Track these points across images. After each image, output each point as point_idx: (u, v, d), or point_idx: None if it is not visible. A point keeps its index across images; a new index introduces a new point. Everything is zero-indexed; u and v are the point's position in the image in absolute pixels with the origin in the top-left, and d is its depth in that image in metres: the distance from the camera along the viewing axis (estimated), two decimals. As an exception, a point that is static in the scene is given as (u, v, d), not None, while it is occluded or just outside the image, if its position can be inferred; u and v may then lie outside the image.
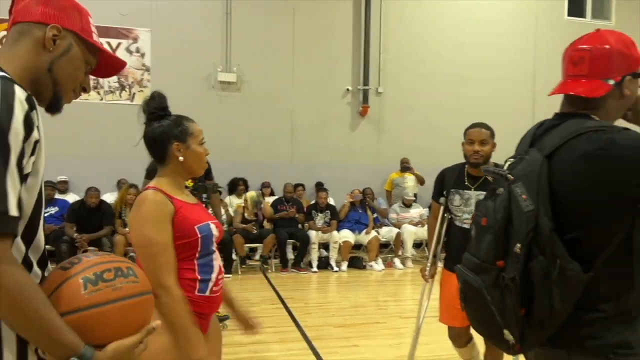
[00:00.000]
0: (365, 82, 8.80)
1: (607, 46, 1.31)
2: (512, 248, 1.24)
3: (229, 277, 6.34)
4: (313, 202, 7.81)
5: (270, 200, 7.68)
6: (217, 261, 1.75)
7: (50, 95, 1.07)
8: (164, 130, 1.70)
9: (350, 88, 8.85)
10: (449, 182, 2.79)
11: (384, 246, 7.91)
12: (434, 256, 2.92)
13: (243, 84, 8.40)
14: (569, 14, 9.80)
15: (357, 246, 7.71)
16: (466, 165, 2.76)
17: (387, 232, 7.78)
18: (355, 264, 7.50)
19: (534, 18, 9.48)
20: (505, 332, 1.30)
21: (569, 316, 1.26)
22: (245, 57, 8.36)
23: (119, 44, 8.01)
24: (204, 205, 2.32)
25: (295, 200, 7.66)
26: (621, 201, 1.19)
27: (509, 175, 1.30)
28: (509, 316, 1.28)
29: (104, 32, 7.79)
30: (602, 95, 1.29)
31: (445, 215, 2.88)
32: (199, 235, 1.65)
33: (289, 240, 7.18)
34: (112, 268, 1.01)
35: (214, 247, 1.73)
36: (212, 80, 8.20)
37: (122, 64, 1.20)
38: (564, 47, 1.41)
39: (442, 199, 2.84)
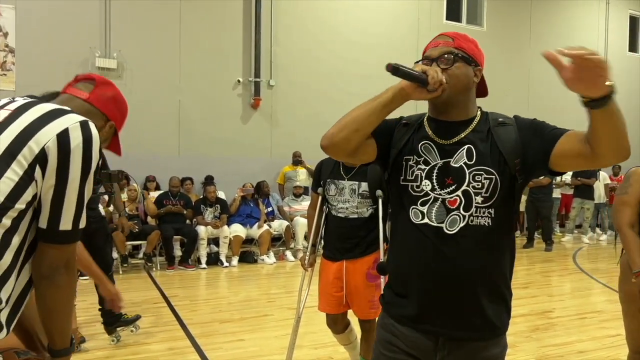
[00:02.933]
0: (257, 74, 8.68)
1: None
2: None
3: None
4: (202, 196, 7.58)
5: (155, 195, 7.30)
6: None
7: None
8: None
9: (241, 79, 8.68)
10: (325, 172, 2.84)
11: (276, 239, 7.92)
12: (313, 245, 2.96)
13: (125, 71, 7.85)
14: (447, 19, 10.55)
15: (249, 240, 7.63)
16: None
17: (279, 225, 7.79)
18: (247, 258, 7.42)
19: (416, 20, 10.06)
20: None
21: None
22: (127, 43, 7.83)
23: (-24, 20, 7.09)
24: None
25: (183, 195, 7.36)
26: None
27: None
28: None
29: (-44, 5, 6.83)
30: None
31: (325, 206, 2.92)
32: None
33: (175, 237, 6.89)
34: None
35: None
36: (89, 65, 7.54)
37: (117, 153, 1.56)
38: None
39: (319, 189, 2.89)
